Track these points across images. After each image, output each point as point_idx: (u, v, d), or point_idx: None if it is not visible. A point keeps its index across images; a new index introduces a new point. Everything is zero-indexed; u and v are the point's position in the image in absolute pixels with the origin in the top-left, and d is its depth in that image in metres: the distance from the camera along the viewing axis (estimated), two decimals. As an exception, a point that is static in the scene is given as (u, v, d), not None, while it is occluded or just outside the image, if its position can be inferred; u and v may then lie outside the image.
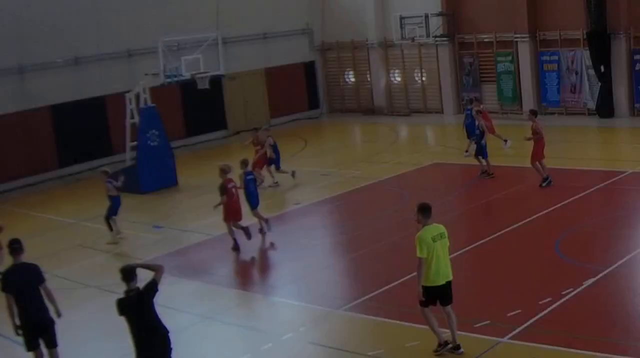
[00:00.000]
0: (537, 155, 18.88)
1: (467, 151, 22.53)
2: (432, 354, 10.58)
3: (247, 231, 16.26)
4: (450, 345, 10.50)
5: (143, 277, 9.27)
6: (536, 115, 19.41)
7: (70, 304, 13.24)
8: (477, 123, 20.83)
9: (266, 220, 17.00)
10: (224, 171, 16.12)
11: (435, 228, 10.26)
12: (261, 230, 16.92)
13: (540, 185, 18.67)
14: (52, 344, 10.60)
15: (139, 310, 9.08)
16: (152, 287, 9.17)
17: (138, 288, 9.15)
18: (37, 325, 10.43)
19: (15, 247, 10.52)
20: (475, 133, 21.09)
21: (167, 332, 9.33)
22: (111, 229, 17.56)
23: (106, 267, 15.93)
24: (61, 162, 26.34)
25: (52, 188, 24.93)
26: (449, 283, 10.36)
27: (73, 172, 26.33)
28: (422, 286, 10.19)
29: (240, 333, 12.18)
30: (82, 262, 16.59)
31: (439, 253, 10.16)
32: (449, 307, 10.45)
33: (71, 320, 12.03)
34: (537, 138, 18.84)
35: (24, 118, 25.44)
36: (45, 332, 10.53)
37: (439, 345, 10.49)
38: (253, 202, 16.94)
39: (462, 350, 10.41)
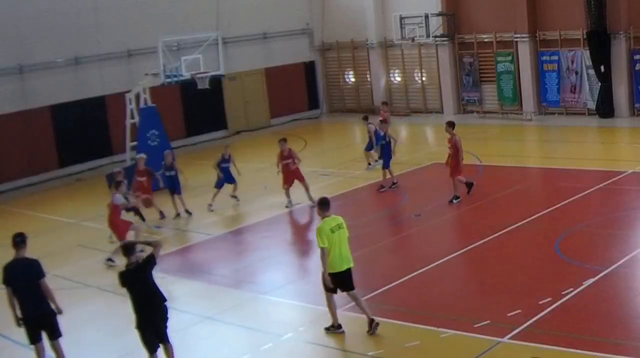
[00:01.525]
0: (456, 170, 17.91)
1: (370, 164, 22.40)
2: (431, 354, 10.61)
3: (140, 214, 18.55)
4: (335, 328, 11.45)
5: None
6: (453, 128, 18.00)
7: (70, 304, 13.23)
8: (381, 134, 20.37)
9: (161, 212, 19.36)
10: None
11: (334, 219, 11.23)
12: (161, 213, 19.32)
13: (450, 202, 17.90)
14: (54, 335, 10.64)
15: (138, 280, 9.95)
16: (151, 260, 10.06)
17: (137, 261, 10.03)
18: (36, 319, 10.46)
19: (18, 240, 10.58)
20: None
21: (165, 300, 10.10)
22: None
23: (106, 266, 15.91)
24: (61, 162, 26.36)
25: (52, 188, 24.92)
26: (349, 269, 11.21)
27: (73, 172, 26.35)
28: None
29: (240, 333, 12.17)
30: (82, 262, 16.57)
31: (338, 242, 11.04)
32: (353, 292, 11.30)
33: (71, 319, 12.02)
34: (454, 152, 17.81)
35: (24, 118, 25.46)
36: (46, 325, 10.56)
37: (332, 325, 11.45)
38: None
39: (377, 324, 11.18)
